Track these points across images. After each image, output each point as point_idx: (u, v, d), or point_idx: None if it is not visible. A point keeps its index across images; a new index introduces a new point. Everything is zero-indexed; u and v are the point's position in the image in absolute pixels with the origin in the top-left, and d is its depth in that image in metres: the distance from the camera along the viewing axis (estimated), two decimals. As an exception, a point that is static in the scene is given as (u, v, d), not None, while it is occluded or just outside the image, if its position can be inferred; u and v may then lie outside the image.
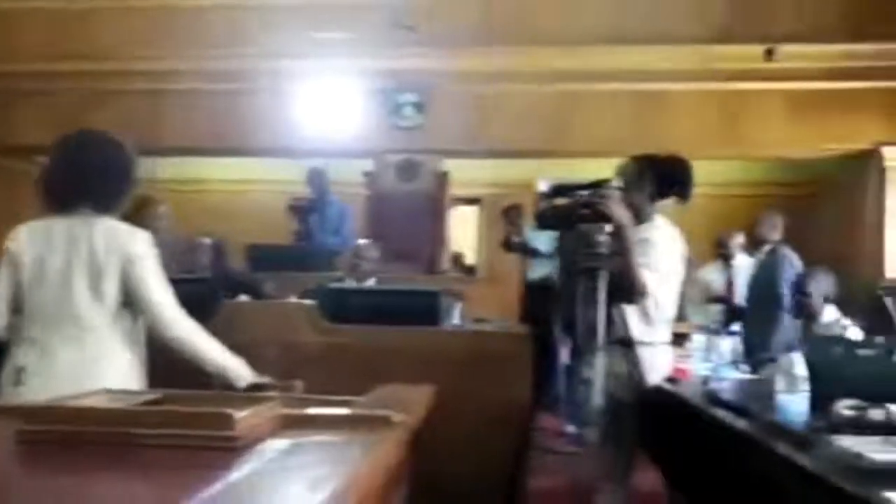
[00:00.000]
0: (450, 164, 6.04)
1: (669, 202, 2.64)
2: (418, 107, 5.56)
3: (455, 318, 3.34)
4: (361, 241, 4.47)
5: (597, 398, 2.35)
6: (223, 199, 7.08)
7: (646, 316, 2.52)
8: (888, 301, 3.14)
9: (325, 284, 3.37)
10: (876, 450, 1.57)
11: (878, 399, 1.83)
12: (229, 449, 1.17)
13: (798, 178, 6.58)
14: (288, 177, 5.90)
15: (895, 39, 5.10)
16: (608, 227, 2.40)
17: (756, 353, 3.57)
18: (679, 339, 3.29)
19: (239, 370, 2.10)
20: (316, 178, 5.55)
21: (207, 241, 4.38)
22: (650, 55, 5.25)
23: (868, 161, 5.52)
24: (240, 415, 1.21)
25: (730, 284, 4.96)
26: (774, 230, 4.36)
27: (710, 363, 2.94)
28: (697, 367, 2.96)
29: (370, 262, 4.01)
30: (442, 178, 5.79)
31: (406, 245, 5.52)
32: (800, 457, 1.57)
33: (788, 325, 3.97)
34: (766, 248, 4.34)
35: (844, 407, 1.82)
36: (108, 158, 2.15)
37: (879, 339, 2.91)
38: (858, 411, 1.80)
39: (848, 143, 5.54)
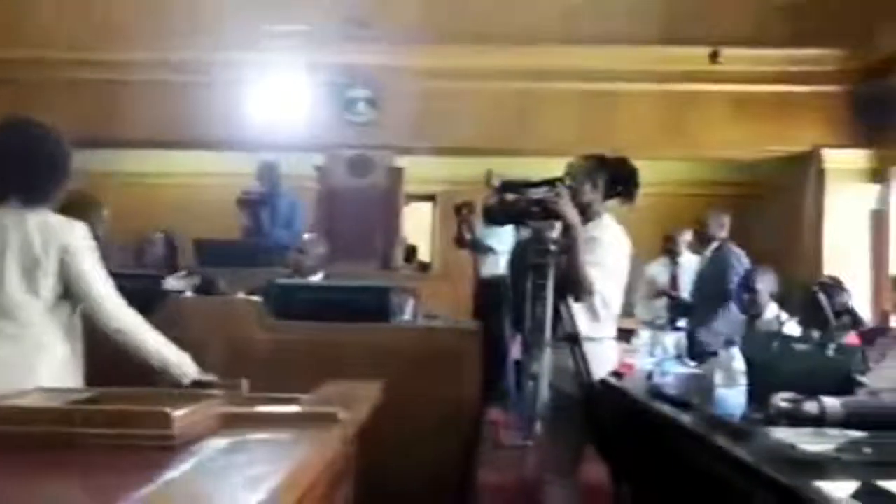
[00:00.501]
0: (405, 161, 6.03)
1: (614, 202, 2.69)
2: (371, 102, 5.52)
3: (407, 315, 3.33)
4: (306, 236, 4.42)
5: (544, 393, 2.38)
6: (179, 192, 6.92)
7: (593, 312, 2.57)
8: (822, 297, 3.27)
9: (273, 280, 3.32)
10: (809, 441, 1.63)
11: (813, 392, 1.90)
12: (166, 448, 1.15)
13: (742, 178, 6.76)
14: (245, 170, 5.78)
15: (831, 45, 5.29)
16: (558, 226, 2.44)
17: (701, 347, 3.67)
18: (625, 335, 3.36)
19: (183, 365, 2.06)
20: (267, 172, 5.47)
21: (160, 235, 4.28)
22: (602, 56, 5.33)
23: (808, 163, 5.70)
24: (177, 413, 1.18)
25: (674, 280, 5.06)
26: (722, 228, 4.47)
27: (655, 358, 3.01)
28: (642, 362, 3.02)
29: (315, 258, 3.97)
30: (396, 174, 5.77)
31: (359, 241, 5.49)
32: (736, 449, 1.62)
33: (734, 321, 4.09)
34: (714, 245, 4.45)
35: (780, 400, 1.88)
36: (36, 147, 2.07)
37: (815, 335, 3.03)
38: (793, 404, 1.86)
39: (789, 144, 5.72)
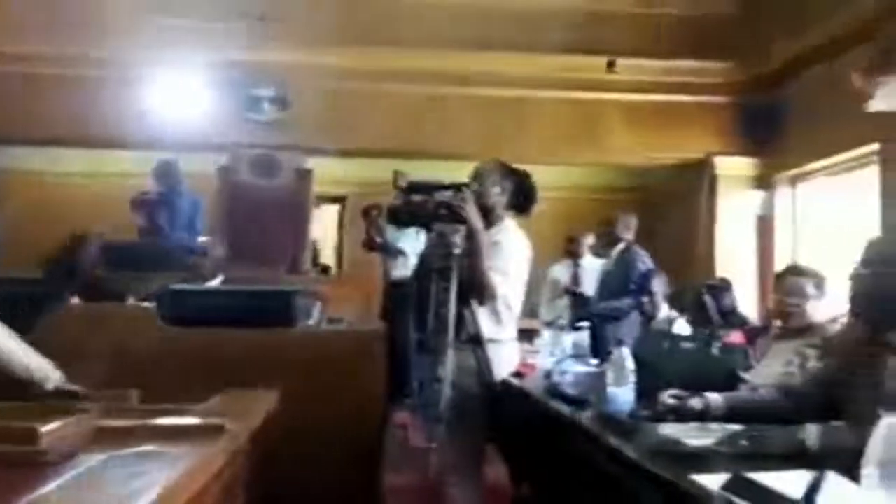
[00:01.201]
0: (315, 162, 5.92)
1: (510, 212, 2.74)
2: (277, 101, 5.40)
3: (314, 319, 3.29)
4: (202, 239, 4.25)
5: (447, 394, 2.39)
6: (80, 191, 6.56)
7: (495, 315, 2.61)
8: (707, 298, 3.48)
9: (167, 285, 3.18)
10: (692, 436, 1.71)
11: (699, 388, 1.99)
12: (35, 465, 1.08)
13: (641, 183, 7.05)
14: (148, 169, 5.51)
15: (722, 58, 5.59)
16: (463, 229, 2.46)
17: (605, 346, 3.78)
18: (528, 335, 3.43)
19: (46, 370, 1.92)
20: (165, 171, 5.24)
21: (97, 236, 3.98)
22: (510, 62, 5.42)
23: (701, 169, 6.01)
24: (46, 428, 1.11)
25: (576, 280, 5.18)
26: (628, 230, 4.57)
27: (555, 357, 3.08)
28: (544, 362, 3.09)
29: (214, 261, 3.84)
30: (304, 176, 5.65)
31: (266, 244, 5.35)
32: (623, 445, 1.68)
33: (635, 320, 4.23)
34: (621, 246, 4.52)
35: (668, 397, 1.97)
36: None
37: (704, 333, 3.19)
38: (679, 400, 1.95)
39: (684, 152, 6.00)
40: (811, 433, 1.55)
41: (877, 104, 4.21)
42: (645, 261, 4.42)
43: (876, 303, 1.68)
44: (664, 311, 3.91)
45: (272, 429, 1.85)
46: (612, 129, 5.75)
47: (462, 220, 2.45)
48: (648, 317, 3.93)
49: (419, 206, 2.52)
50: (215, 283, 3.71)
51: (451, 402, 2.41)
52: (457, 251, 2.47)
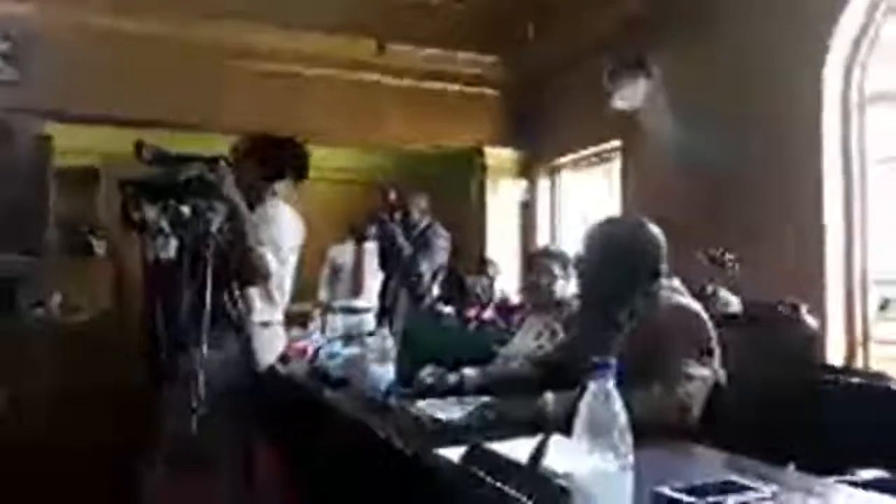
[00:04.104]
0: (61, 130, 5.21)
1: (283, 184, 2.65)
2: (11, 57, 4.66)
3: (48, 308, 2.91)
4: None
5: (204, 384, 2.25)
6: None
7: (267, 295, 2.51)
8: (467, 278, 3.66)
9: None
10: (447, 410, 1.77)
11: (458, 363, 2.07)
12: None
13: (422, 169, 7.20)
14: None
15: (486, 52, 5.89)
16: (221, 207, 2.31)
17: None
18: (302, 318, 3.35)
19: None
20: None
21: None
22: (281, 37, 5.21)
23: (474, 158, 6.31)
24: None
25: (360, 263, 5.14)
26: (423, 211, 4.54)
27: (325, 339, 3.04)
28: (317, 344, 3.04)
29: None
30: (42, 144, 4.93)
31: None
32: (379, 423, 1.69)
33: (405, 301, 4.27)
34: (422, 226, 4.45)
35: (427, 374, 2.02)
36: None
37: (463, 311, 3.34)
38: (437, 377, 2.01)
39: (457, 140, 6.24)
40: (549, 402, 1.66)
41: (619, 104, 4.73)
42: (443, 240, 4.34)
43: (597, 286, 1.86)
44: (434, 291, 4.02)
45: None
46: (387, 114, 5.79)
47: (218, 196, 2.31)
48: (417, 297, 4.02)
49: (165, 178, 2.32)
50: None
51: (211, 391, 2.26)
52: (214, 228, 2.31)
